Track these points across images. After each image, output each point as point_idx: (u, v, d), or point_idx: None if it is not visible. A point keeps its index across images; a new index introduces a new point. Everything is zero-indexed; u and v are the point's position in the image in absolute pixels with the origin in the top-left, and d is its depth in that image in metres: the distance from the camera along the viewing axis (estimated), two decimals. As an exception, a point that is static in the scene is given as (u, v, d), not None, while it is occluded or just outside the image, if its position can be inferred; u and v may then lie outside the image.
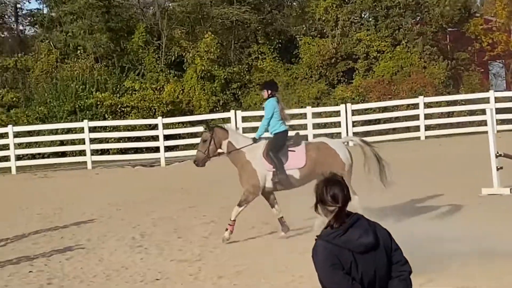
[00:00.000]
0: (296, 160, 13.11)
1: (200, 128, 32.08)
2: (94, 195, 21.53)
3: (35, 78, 38.94)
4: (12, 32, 44.25)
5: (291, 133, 13.87)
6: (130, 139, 33.24)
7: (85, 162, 30.94)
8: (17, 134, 31.97)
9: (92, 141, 31.73)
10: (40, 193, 22.95)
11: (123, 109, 35.88)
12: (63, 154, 32.74)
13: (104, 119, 34.86)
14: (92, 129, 31.98)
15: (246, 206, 13.29)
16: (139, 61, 38.87)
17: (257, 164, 13.15)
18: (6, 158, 31.61)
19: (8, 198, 22.29)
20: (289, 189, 13.45)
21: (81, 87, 36.00)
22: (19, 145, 32.15)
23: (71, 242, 14.64)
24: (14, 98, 37.42)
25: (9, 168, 30.96)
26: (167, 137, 31.36)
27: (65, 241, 14.74)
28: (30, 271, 12.37)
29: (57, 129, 32.93)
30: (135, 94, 36.46)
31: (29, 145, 32.83)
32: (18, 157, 31.62)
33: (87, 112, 35.22)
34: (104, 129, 33.34)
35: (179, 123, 33.85)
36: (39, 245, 14.60)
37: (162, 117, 32.43)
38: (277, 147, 13.19)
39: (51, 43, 39.52)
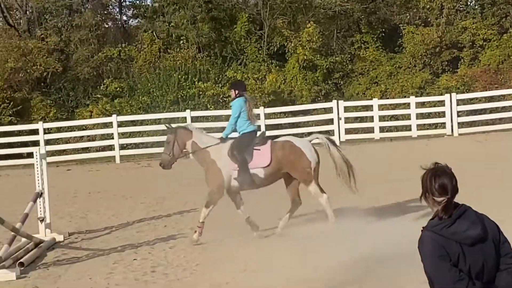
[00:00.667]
0: (260, 159, 13.00)
1: (301, 118, 32.27)
2: (197, 185, 21.54)
3: (138, 68, 39.39)
4: (116, 22, 44.88)
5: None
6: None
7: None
8: (120, 124, 32.41)
9: (191, 130, 31.88)
10: (143, 183, 23.15)
11: (225, 98, 35.94)
12: (162, 144, 32.92)
13: (206, 109, 35.00)
14: (195, 119, 32.15)
15: (213, 207, 13.17)
16: (241, 51, 38.86)
17: (222, 164, 13.04)
18: (110, 148, 32.11)
19: (113, 187, 22.55)
20: (255, 189, 13.35)
21: (183, 77, 36.23)
22: (122, 135, 32.59)
23: (174, 230, 14.65)
24: (118, 88, 37.91)
25: (113, 157, 31.45)
26: (268, 127, 31.28)
27: (169, 230, 14.76)
28: (134, 259, 12.40)
29: (160, 119, 33.26)
30: (237, 84, 36.50)
31: (132, 134, 33.23)
32: (122, 147, 32.09)
33: (190, 102, 35.42)
34: (206, 118, 33.47)
35: (280, 113, 33.77)
36: (143, 233, 14.66)
37: (264, 107, 32.36)
38: (242, 147, 13.07)
39: (154, 33, 39.89)
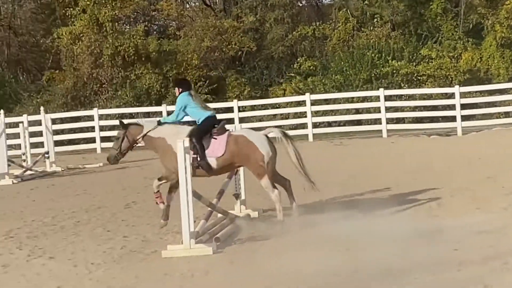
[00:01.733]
0: (216, 149, 13.07)
1: (498, 98, 31.21)
2: (390, 164, 21.31)
3: (332, 47, 39.38)
4: (310, 1, 45.03)
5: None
6: (425, 108, 32.68)
7: (380, 131, 30.90)
8: (314, 102, 32.49)
9: (388, 109, 31.58)
10: (335, 160, 23.11)
11: (419, 77, 35.34)
12: (358, 123, 32.83)
13: (400, 87, 34.52)
14: (388, 98, 31.79)
15: (165, 182, 13.03)
16: (436, 29, 38.04)
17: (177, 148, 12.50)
18: (303, 126, 32.28)
19: (305, 164, 22.60)
20: (207, 177, 13.24)
21: (377, 55, 35.88)
22: (315, 113, 32.67)
23: (367, 209, 14.48)
24: (312, 67, 38.06)
25: (306, 136, 31.60)
26: (464, 106, 30.48)
27: (362, 208, 14.61)
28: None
29: (353, 98, 33.14)
30: (432, 62, 35.79)
31: (325, 113, 33.25)
32: (315, 125, 32.16)
33: (383, 80, 35.05)
34: (399, 97, 33.01)
35: (476, 92, 32.84)
36: (332, 209, 14.58)
37: (459, 86, 31.55)
38: (201, 133, 13.12)
39: (348, 12, 39.71)
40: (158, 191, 13.11)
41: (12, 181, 22.61)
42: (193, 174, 12.64)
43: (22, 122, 28.28)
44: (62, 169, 24.85)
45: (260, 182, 13.24)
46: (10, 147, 25.73)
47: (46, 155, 25.13)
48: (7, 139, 24.30)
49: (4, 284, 10.29)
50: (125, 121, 14.04)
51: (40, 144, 28.38)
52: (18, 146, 28.22)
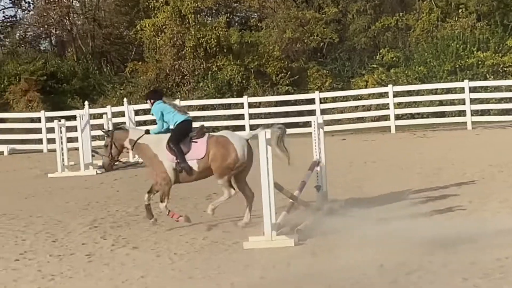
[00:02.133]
0: (197, 151, 13.14)
1: None
2: (474, 156, 20.95)
3: (415, 38, 38.89)
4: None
5: None
6: (511, 100, 32.04)
7: (464, 123, 30.46)
8: (396, 94, 32.19)
9: (473, 101, 31.09)
10: (419, 153, 22.82)
11: (505, 69, 34.64)
12: (442, 114, 32.40)
13: (485, 79, 33.90)
14: (473, 89, 31.31)
15: (168, 199, 13.20)
16: (523, 19, 37.26)
17: (163, 156, 13.07)
18: (385, 118, 32.00)
19: (388, 157, 22.42)
20: (191, 181, 13.45)
21: (461, 46, 35.28)
22: (398, 105, 32.33)
23: (452, 202, 14.25)
24: (394, 58, 37.65)
25: (388, 127, 31.33)
26: None
27: (447, 202, 14.38)
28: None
29: (437, 89, 32.69)
30: (518, 53, 35.10)
31: (408, 104, 32.86)
32: (397, 117, 31.85)
33: (468, 72, 34.45)
34: (485, 89, 32.46)
35: None
36: (418, 205, 14.38)
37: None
38: (178, 137, 13.22)
39: (432, 2, 39.16)
40: (169, 211, 13.28)
41: (96, 171, 22.94)
42: (176, 180, 13.17)
43: (105, 113, 28.69)
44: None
45: (217, 180, 13.25)
46: (94, 138, 26.09)
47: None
48: (91, 130, 24.68)
49: (88, 273, 10.43)
50: (124, 122, 14.26)
51: (123, 135, 28.70)
52: (102, 137, 28.61)
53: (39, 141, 33.65)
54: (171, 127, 13.53)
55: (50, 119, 32.44)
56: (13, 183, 21.93)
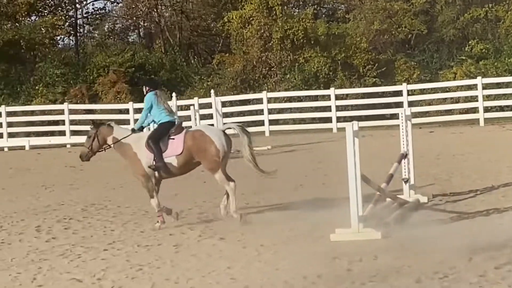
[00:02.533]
0: (174, 148, 13.38)
1: None
2: None
3: (505, 29, 38.15)
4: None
5: None
6: None
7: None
8: (485, 86, 31.69)
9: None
10: (508, 146, 22.39)
11: None
12: (533, 107, 31.83)
13: None
14: None
15: (156, 194, 13.40)
16: None
17: (141, 155, 13.39)
18: (474, 110, 31.54)
19: (477, 150, 22.10)
20: (172, 177, 13.72)
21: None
22: (487, 97, 31.82)
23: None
24: (483, 49, 37.02)
25: (477, 120, 30.87)
26: None
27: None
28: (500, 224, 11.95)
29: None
30: None
31: (497, 97, 32.30)
32: (486, 109, 31.37)
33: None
34: None
35: None
36: (509, 197, 14.13)
37: None
38: (157, 136, 13.50)
39: (523, -8, 38.40)
40: (160, 209, 13.39)
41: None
42: (158, 177, 13.49)
43: (193, 104, 28.92)
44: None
45: (214, 176, 13.40)
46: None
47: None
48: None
49: (175, 263, 10.52)
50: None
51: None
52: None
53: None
54: (154, 122, 13.92)
55: (138, 110, 32.90)
56: (102, 173, 22.28)
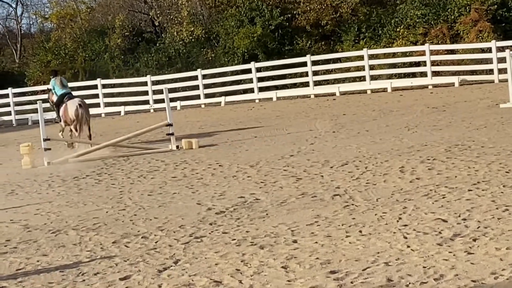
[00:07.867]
0: (63, 110, 22.42)
1: None
2: None
3: None
4: None
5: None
6: None
7: None
8: None
9: None
10: None
11: None
12: None
13: None
14: None
15: (62, 132, 23.26)
16: None
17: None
18: None
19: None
20: (70, 125, 22.56)
21: None
22: None
23: None
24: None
25: None
26: None
27: None
28: None
29: None
30: None
31: None
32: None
33: None
34: None
35: None
36: None
37: None
38: (57, 102, 22.87)
39: None
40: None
41: None
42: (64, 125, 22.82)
43: None
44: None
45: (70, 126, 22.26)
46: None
47: None
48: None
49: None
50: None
51: None
52: None
53: (490, 72, 33.41)
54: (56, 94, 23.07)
55: (501, 49, 32.00)
56: (464, 114, 22.05)
